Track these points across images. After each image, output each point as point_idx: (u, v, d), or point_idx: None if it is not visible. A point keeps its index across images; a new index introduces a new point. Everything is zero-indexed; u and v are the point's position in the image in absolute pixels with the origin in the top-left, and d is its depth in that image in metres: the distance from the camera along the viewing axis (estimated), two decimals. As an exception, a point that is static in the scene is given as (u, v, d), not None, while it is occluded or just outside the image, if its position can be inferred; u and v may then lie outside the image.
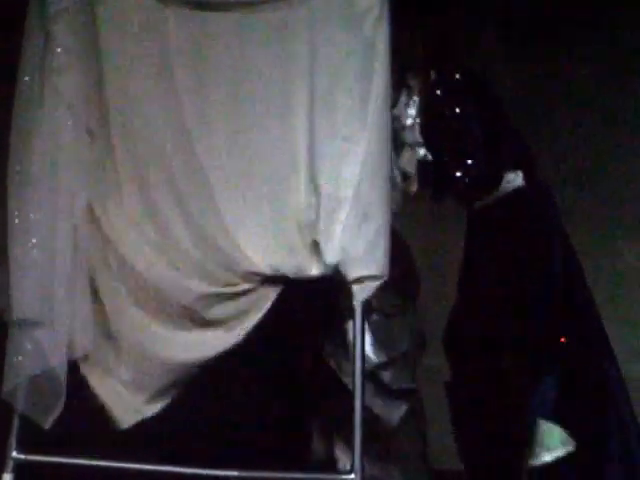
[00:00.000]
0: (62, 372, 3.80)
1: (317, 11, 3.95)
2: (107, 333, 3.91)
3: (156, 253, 3.91)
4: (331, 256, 3.79)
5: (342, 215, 3.81)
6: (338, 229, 3.81)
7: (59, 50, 3.92)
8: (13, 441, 3.79)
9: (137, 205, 3.94)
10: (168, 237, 3.92)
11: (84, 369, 3.89)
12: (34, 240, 3.87)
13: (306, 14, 3.95)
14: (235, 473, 3.75)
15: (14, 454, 3.78)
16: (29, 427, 3.79)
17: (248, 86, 3.96)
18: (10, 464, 3.78)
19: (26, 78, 3.93)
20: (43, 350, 3.80)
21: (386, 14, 3.90)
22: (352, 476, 3.69)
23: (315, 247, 3.81)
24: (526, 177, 4.10)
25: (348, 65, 3.91)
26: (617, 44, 5.21)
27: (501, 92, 4.34)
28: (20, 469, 3.79)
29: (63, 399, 3.79)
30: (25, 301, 3.84)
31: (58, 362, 3.81)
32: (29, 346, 3.81)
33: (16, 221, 3.88)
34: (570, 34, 5.18)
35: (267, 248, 3.85)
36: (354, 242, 3.79)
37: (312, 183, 3.87)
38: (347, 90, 3.90)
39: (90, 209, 3.95)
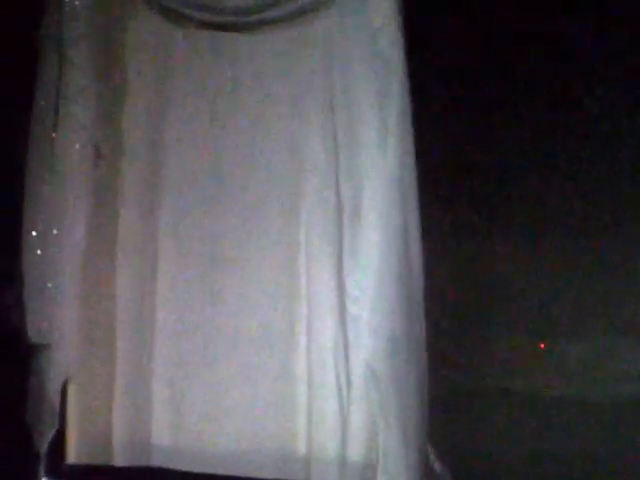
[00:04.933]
0: (56, 394, 3.79)
1: (333, 28, 3.96)
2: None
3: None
4: None
5: None
6: None
7: (75, 75, 3.89)
8: (42, 465, 3.78)
9: (135, 235, 3.94)
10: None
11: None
12: (39, 257, 3.84)
13: (322, 31, 3.96)
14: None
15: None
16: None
17: (264, 106, 3.98)
18: (40, 489, 3.76)
19: (42, 102, 3.90)
20: (43, 372, 3.79)
21: (401, 30, 3.91)
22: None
23: None
24: None
25: (366, 82, 3.92)
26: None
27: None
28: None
29: (57, 421, 3.77)
30: (32, 321, 3.81)
31: (54, 384, 3.79)
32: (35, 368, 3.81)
33: (27, 238, 3.85)
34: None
35: None
36: None
37: None
38: (366, 108, 3.90)
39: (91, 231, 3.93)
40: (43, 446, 3.75)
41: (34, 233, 3.82)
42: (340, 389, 3.86)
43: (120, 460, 3.85)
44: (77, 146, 3.88)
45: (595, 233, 4.43)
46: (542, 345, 4.50)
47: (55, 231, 3.83)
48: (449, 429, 4.04)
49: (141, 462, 3.85)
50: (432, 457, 3.94)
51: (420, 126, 3.94)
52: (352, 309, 3.86)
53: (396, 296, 3.82)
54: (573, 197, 4.45)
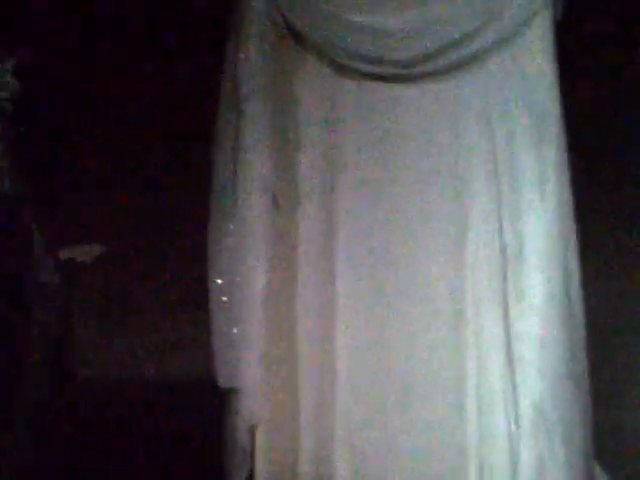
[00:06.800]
0: (247, 437, 3.89)
1: (492, 75, 4.09)
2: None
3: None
4: None
5: None
6: None
7: (250, 127, 4.03)
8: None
9: (313, 282, 4.07)
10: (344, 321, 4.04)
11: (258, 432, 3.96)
12: (225, 304, 3.98)
13: (481, 81, 4.11)
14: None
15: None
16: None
17: (429, 154, 4.11)
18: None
19: (221, 154, 4.05)
20: (233, 416, 3.91)
21: (558, 79, 4.05)
22: None
23: None
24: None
25: (524, 129, 4.06)
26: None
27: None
28: None
29: (249, 464, 3.88)
30: (220, 366, 3.95)
31: (244, 428, 3.90)
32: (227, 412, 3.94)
33: (213, 285, 4.00)
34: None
35: None
36: None
37: None
38: (525, 154, 4.05)
39: (272, 277, 4.05)
40: None
41: (219, 281, 3.99)
42: (509, 430, 3.97)
43: None
44: (256, 196, 4.03)
45: None
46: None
47: (238, 278, 3.98)
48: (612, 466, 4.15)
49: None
50: None
51: (578, 170, 4.08)
52: (518, 350, 3.99)
53: (560, 337, 3.96)
54: None
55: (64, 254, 3.37)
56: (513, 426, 3.97)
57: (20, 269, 3.13)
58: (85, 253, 3.40)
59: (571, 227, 4.05)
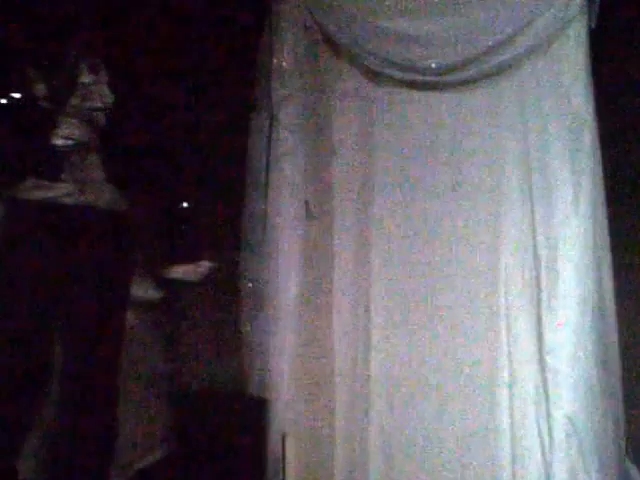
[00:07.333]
0: (278, 447, 3.85)
1: (526, 83, 4.06)
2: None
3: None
4: None
5: None
6: None
7: (284, 133, 4.01)
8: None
9: (348, 290, 4.05)
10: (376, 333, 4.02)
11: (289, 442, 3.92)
12: (257, 312, 3.97)
13: (516, 88, 4.07)
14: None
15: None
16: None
17: (462, 162, 4.08)
18: None
19: (254, 160, 4.03)
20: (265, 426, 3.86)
21: (593, 86, 4.00)
22: None
23: None
24: None
25: (558, 137, 4.02)
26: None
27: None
28: None
29: (281, 472, 3.83)
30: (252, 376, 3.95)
31: (275, 437, 3.86)
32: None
33: (245, 293, 3.99)
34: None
35: None
36: None
37: None
38: (559, 163, 4.02)
39: (305, 286, 4.03)
40: None
41: (250, 284, 3.97)
42: (542, 441, 3.93)
43: None
44: (288, 203, 4.00)
45: None
46: None
47: (270, 286, 3.95)
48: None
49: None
50: None
51: (612, 181, 4.03)
52: (550, 361, 3.96)
53: (593, 350, 3.93)
54: None
55: (169, 272, 3.25)
56: (546, 437, 3.93)
57: (118, 286, 3.03)
58: (192, 271, 3.28)
59: (605, 238, 4.00)
